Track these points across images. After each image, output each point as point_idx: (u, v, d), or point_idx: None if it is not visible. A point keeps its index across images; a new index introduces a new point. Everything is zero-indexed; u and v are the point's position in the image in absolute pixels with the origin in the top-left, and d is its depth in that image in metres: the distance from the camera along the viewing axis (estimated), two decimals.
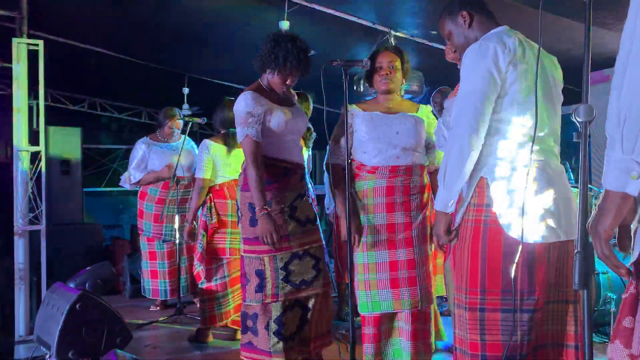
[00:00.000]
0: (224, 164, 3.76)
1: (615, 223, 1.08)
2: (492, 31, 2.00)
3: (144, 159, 4.67)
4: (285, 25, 4.59)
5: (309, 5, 4.67)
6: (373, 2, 4.81)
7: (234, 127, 3.70)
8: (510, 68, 1.86)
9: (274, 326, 2.71)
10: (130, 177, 4.69)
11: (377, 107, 2.86)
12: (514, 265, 1.82)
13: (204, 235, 3.73)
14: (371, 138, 2.78)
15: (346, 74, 2.55)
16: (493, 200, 1.89)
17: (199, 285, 3.79)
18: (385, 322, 2.77)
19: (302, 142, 2.99)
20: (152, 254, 4.65)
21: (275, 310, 2.71)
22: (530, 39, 2.02)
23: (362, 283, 2.75)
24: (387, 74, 2.80)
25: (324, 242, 2.91)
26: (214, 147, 3.76)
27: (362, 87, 5.10)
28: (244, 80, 7.16)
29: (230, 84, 7.25)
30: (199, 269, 3.74)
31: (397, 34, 5.08)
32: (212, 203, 3.76)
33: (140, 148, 4.71)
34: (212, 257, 3.71)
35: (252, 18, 5.15)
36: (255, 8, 4.96)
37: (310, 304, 2.80)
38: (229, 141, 3.76)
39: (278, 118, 2.72)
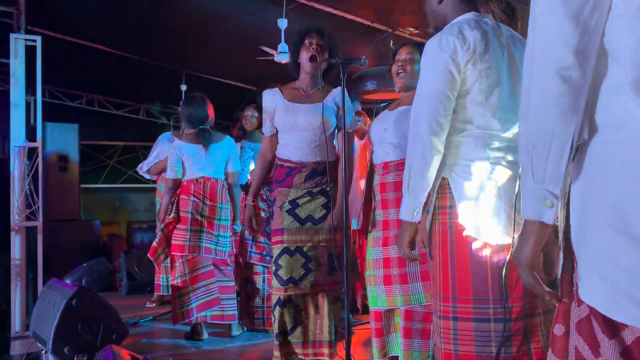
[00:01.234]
0: (193, 162, 3.71)
1: (536, 251, 1.06)
2: (456, 19, 1.85)
3: (160, 151, 4.72)
4: (283, 23, 4.60)
5: (308, 4, 4.68)
6: (372, 1, 4.82)
7: (203, 124, 3.71)
8: (470, 67, 1.76)
9: (273, 316, 2.82)
10: (141, 166, 4.81)
11: (392, 105, 2.88)
12: (483, 269, 1.73)
13: (161, 230, 3.68)
14: (372, 136, 2.85)
15: (344, 73, 2.55)
16: (455, 201, 1.79)
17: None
18: (388, 317, 2.79)
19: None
20: None
21: (273, 301, 2.82)
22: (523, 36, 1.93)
23: (367, 278, 2.80)
24: (402, 67, 2.73)
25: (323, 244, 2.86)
26: (183, 147, 3.71)
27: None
28: (242, 78, 7.17)
29: (228, 81, 7.24)
30: (163, 264, 3.80)
31: (396, 33, 5.09)
32: (177, 198, 3.72)
33: (160, 141, 4.82)
34: (173, 254, 3.66)
35: (251, 15, 5.15)
36: (254, 5, 4.96)
37: (301, 303, 2.80)
38: (204, 139, 3.71)
39: (280, 117, 2.79)
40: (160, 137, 4.89)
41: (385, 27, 5.05)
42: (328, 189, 2.82)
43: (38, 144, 4.21)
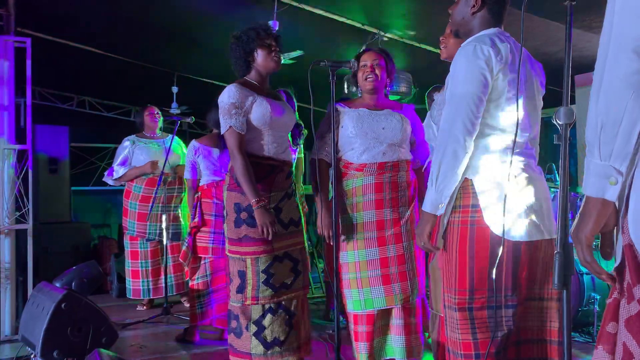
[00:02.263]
0: (210, 164, 3.80)
1: (596, 229, 1.08)
2: (485, 32, 2.01)
3: (129, 155, 4.67)
4: (274, 25, 4.60)
5: (299, 6, 4.68)
6: (362, 3, 4.83)
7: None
8: (500, 76, 1.89)
9: (253, 328, 2.68)
10: (114, 172, 4.69)
11: (363, 104, 2.88)
12: (500, 263, 1.87)
13: (188, 234, 3.79)
14: (358, 134, 2.80)
15: (333, 75, 2.57)
16: (479, 200, 1.92)
17: (188, 284, 3.85)
18: (379, 320, 2.79)
19: (289, 141, 2.96)
20: (134, 253, 4.64)
21: (255, 313, 2.69)
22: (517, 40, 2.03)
23: (354, 281, 2.76)
24: (370, 72, 2.83)
25: (308, 243, 2.91)
26: (200, 148, 3.85)
27: (350, 88, 5.12)
28: (234, 80, 7.16)
29: (219, 83, 7.23)
30: (185, 267, 3.81)
31: (387, 35, 5.11)
32: (199, 202, 3.81)
33: (125, 145, 4.73)
34: (195, 255, 3.74)
35: (242, 18, 5.15)
36: (244, 7, 4.96)
37: (293, 307, 2.77)
38: (222, 142, 3.77)
39: (262, 109, 2.67)
40: (124, 141, 4.77)
41: (376, 29, 5.06)
42: (294, 189, 2.87)
43: (28, 146, 4.19)
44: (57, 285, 3.81)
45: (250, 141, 2.70)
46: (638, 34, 0.96)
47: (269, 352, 2.68)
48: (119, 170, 4.67)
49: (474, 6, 2.04)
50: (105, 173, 4.81)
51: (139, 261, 4.61)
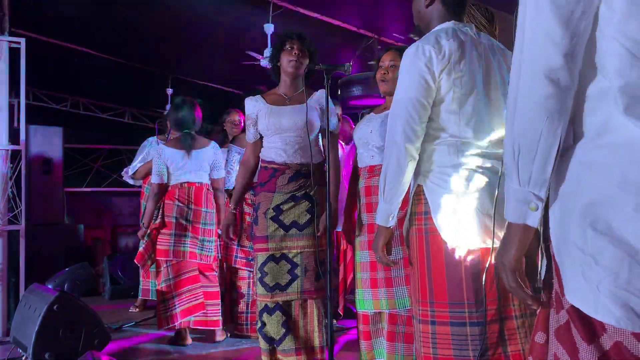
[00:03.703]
0: (177, 167, 3.69)
1: (519, 254, 1.06)
2: (435, 28, 1.91)
3: (147, 154, 4.67)
4: (270, 28, 4.61)
5: (294, 9, 4.70)
6: (358, 7, 4.85)
7: (190, 129, 3.70)
8: (444, 76, 1.80)
9: (259, 323, 2.79)
10: (130, 169, 4.71)
11: (377, 109, 2.91)
12: (458, 273, 1.76)
13: (147, 236, 3.67)
14: (357, 139, 2.87)
15: (328, 79, 2.56)
16: (430, 207, 1.83)
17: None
18: (375, 321, 2.80)
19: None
20: None
21: (258, 308, 2.79)
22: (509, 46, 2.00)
23: (355, 281, 2.81)
24: (385, 73, 2.76)
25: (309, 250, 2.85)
26: (168, 152, 3.70)
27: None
28: (228, 82, 7.17)
29: (214, 85, 7.24)
30: (151, 269, 3.73)
31: (382, 38, 5.13)
32: (161, 204, 3.71)
33: (144, 144, 4.78)
34: (158, 259, 3.64)
35: (237, 21, 5.16)
36: (240, 10, 4.97)
37: (291, 311, 2.78)
38: (187, 144, 3.71)
39: (265, 120, 2.78)
40: (145, 141, 4.83)
41: (371, 33, 5.08)
42: (312, 192, 2.79)
43: (21, 147, 4.17)
44: (50, 286, 3.80)
45: (262, 147, 2.88)
46: (550, 62, 0.95)
47: (269, 348, 2.76)
48: (135, 167, 4.69)
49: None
50: (124, 170, 4.83)
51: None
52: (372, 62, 2.80)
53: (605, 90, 0.94)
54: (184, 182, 3.69)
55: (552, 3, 0.94)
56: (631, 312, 0.89)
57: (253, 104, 2.86)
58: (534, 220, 1.03)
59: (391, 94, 2.77)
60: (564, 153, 1.01)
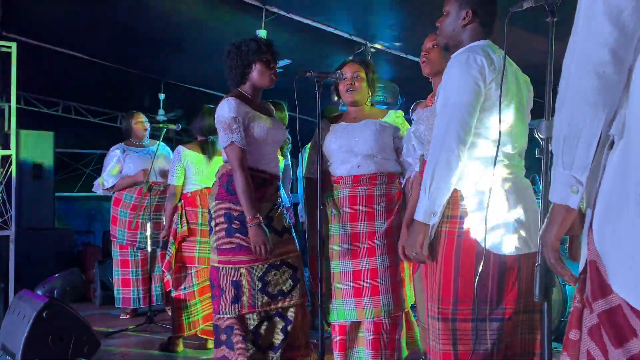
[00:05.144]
0: (196, 171, 3.73)
1: (560, 233, 1.14)
2: (475, 43, 2.01)
3: (119, 164, 4.62)
4: (262, 34, 4.61)
5: (287, 15, 4.71)
6: (350, 13, 4.87)
7: (214, 135, 3.71)
8: (493, 85, 1.89)
9: (250, 336, 2.68)
10: (104, 182, 4.61)
11: (344, 118, 2.90)
12: (485, 276, 1.86)
13: (172, 243, 3.69)
14: (334, 149, 2.81)
15: (319, 86, 2.57)
16: (467, 212, 1.91)
17: (170, 294, 3.76)
18: (352, 331, 2.79)
19: (278, 152, 2.97)
20: (125, 262, 4.58)
21: (252, 321, 2.69)
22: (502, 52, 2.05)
23: (334, 291, 2.77)
24: (351, 84, 2.81)
25: (299, 252, 2.89)
26: (187, 154, 3.74)
27: (332, 98, 5.14)
28: (220, 87, 7.16)
29: (206, 90, 7.24)
30: (168, 277, 3.70)
31: (374, 45, 5.15)
32: (183, 211, 3.73)
33: (115, 153, 4.66)
34: (180, 265, 3.68)
35: (230, 26, 5.17)
36: (232, 16, 4.98)
37: (290, 315, 2.76)
38: (208, 149, 3.74)
39: (261, 126, 2.72)
40: (114, 149, 4.69)
41: (363, 39, 5.10)
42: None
43: (12, 151, 4.16)
44: (39, 293, 3.78)
45: (248, 154, 2.69)
46: (598, 57, 1.02)
47: (266, 358, 2.71)
48: (109, 180, 4.59)
49: (464, 18, 2.02)
50: (94, 183, 4.72)
51: (130, 270, 4.55)
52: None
53: None
54: (204, 188, 3.71)
55: (604, 1, 1.00)
56: None
57: (242, 108, 2.69)
58: (574, 201, 1.11)
59: (358, 103, 2.86)
60: (612, 145, 1.07)
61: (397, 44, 5.15)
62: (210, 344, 3.78)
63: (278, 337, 2.72)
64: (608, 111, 1.04)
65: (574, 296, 1.15)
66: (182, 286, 3.67)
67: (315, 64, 5.28)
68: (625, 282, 0.99)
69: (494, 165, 1.88)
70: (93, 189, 4.77)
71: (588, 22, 1.03)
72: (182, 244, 3.69)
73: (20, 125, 4.80)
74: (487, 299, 1.88)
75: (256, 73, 2.75)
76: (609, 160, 1.06)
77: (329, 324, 2.85)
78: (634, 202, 0.98)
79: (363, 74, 2.84)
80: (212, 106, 3.81)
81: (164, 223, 3.89)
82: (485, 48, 1.95)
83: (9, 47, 4.14)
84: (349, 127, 2.83)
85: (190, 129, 4.10)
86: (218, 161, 3.70)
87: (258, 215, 2.60)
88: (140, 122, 4.72)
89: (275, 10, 4.66)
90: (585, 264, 1.09)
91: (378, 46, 5.20)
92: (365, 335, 2.76)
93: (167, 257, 3.69)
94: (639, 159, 0.99)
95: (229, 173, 2.71)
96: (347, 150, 2.77)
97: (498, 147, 1.87)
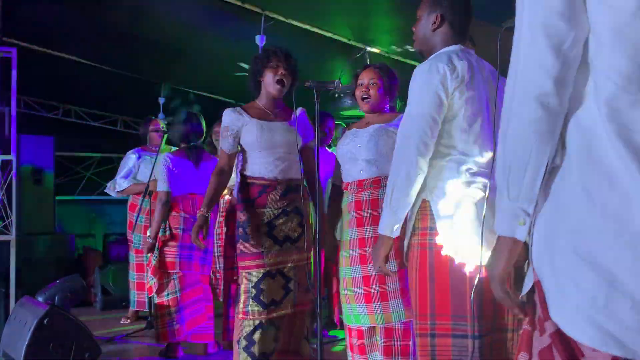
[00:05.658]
0: (183, 178, 3.71)
1: (508, 266, 1.11)
2: (445, 49, 1.97)
3: (134, 168, 4.65)
4: (261, 39, 4.64)
5: (286, 21, 4.73)
6: (349, 18, 4.89)
7: (194, 141, 3.72)
8: (457, 94, 1.86)
9: (243, 342, 2.71)
10: (116, 185, 4.66)
11: (358, 124, 2.92)
12: (462, 289, 1.82)
13: (157, 248, 3.67)
14: (342, 155, 2.84)
15: (318, 95, 2.58)
16: (436, 223, 1.88)
17: (153, 301, 3.72)
18: (370, 336, 2.80)
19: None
20: (140, 266, 4.58)
21: (247, 327, 2.71)
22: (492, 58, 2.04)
23: (344, 296, 2.78)
24: (366, 91, 2.81)
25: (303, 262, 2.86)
26: (176, 162, 3.71)
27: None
28: (220, 91, 7.18)
29: (206, 94, 7.25)
30: (151, 282, 3.67)
31: (372, 50, 5.16)
32: (167, 213, 3.70)
33: (130, 157, 4.72)
34: (163, 270, 3.64)
35: (229, 31, 5.18)
36: (232, 21, 4.99)
37: (282, 324, 2.79)
38: (195, 156, 3.73)
39: (251, 134, 2.76)
40: (129, 154, 4.75)
41: (362, 44, 5.11)
42: (301, 207, 2.83)
43: (12, 156, 4.17)
44: (40, 299, 3.78)
45: (246, 162, 2.82)
46: (542, 87, 1.01)
47: None
48: (122, 184, 4.64)
49: (434, 22, 2.00)
50: (107, 185, 4.78)
51: (145, 274, 4.58)
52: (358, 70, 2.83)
53: (594, 116, 0.99)
54: (188, 194, 3.71)
55: (545, 32, 1.00)
56: (607, 335, 0.93)
57: (236, 117, 2.81)
58: (521, 234, 1.08)
59: (373, 111, 2.85)
60: (552, 172, 1.06)
61: (396, 48, 5.17)
62: (211, 348, 3.80)
63: (272, 346, 2.75)
64: (553, 142, 1.03)
65: (523, 320, 1.15)
66: (165, 292, 3.63)
67: (315, 69, 5.31)
68: (559, 311, 1.00)
69: (463, 174, 1.86)
70: (105, 190, 4.85)
71: (530, 51, 1.03)
72: (165, 249, 3.65)
73: (21, 129, 4.81)
74: (466, 313, 1.81)
75: (265, 82, 2.82)
76: (551, 188, 1.06)
77: (330, 329, 2.87)
78: (570, 231, 0.99)
79: (379, 81, 2.82)
80: (190, 112, 3.83)
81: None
82: (451, 55, 1.91)
83: (9, 52, 4.15)
84: (358, 132, 2.84)
85: (170, 137, 4.08)
86: (204, 167, 3.72)
87: (204, 209, 2.81)
88: (158, 129, 4.72)
89: (274, 15, 4.68)
90: (533, 285, 1.09)
91: (377, 51, 5.22)
92: (380, 341, 2.78)
93: (153, 263, 3.66)
94: (575, 188, 1.00)
95: (239, 182, 2.84)
96: (352, 156, 2.79)
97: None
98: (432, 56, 1.96)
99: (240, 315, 2.73)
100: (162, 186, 3.69)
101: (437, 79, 1.84)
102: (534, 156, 1.03)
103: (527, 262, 1.16)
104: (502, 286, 1.12)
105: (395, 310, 2.71)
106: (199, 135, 3.77)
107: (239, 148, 2.85)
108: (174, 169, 3.68)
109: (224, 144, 2.82)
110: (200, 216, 2.81)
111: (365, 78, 2.82)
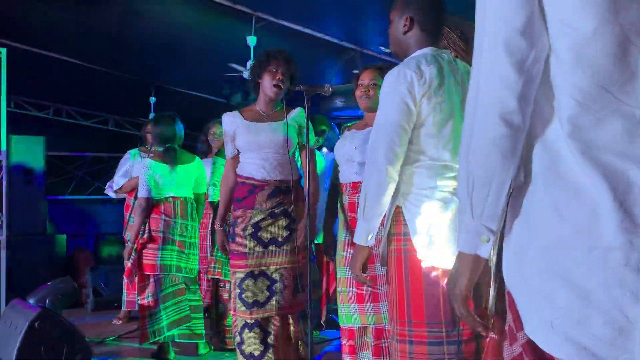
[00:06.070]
0: (163, 181, 3.67)
1: (470, 284, 1.09)
2: (415, 54, 1.95)
3: (130, 168, 4.65)
4: (252, 40, 4.64)
5: (277, 21, 4.73)
6: (340, 19, 4.90)
7: (172, 143, 3.70)
8: (425, 100, 1.85)
9: (237, 338, 2.80)
10: (113, 184, 4.68)
11: (356, 125, 2.94)
12: (435, 294, 1.81)
13: (135, 251, 3.64)
14: (339, 155, 2.87)
15: (308, 99, 2.60)
16: (409, 228, 1.88)
17: (137, 302, 3.71)
18: (360, 335, 2.82)
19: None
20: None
21: (238, 324, 2.78)
22: None
23: (339, 296, 2.81)
24: (366, 92, 2.82)
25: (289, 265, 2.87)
26: (155, 166, 3.67)
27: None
28: (211, 91, 7.18)
29: (197, 94, 7.25)
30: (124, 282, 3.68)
31: (364, 51, 5.18)
32: (147, 218, 3.68)
33: (127, 157, 4.74)
34: (143, 273, 3.62)
35: (220, 32, 5.18)
36: (223, 22, 4.99)
37: (270, 327, 2.80)
38: (171, 158, 3.69)
39: (240, 136, 2.82)
40: (127, 154, 4.78)
41: (354, 45, 5.13)
42: (290, 209, 2.83)
43: (2, 156, 4.16)
44: (31, 302, 3.78)
45: (240, 163, 2.89)
46: (505, 104, 0.99)
47: None
48: (119, 182, 4.66)
49: (405, 25, 1.96)
50: (107, 185, 4.78)
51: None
52: (356, 71, 2.84)
53: (557, 133, 0.98)
54: (169, 197, 3.69)
55: (507, 49, 0.98)
56: (582, 350, 0.94)
57: (231, 120, 2.87)
58: (484, 251, 1.06)
59: (373, 110, 2.80)
60: (518, 189, 1.05)
61: (388, 49, 5.19)
62: (202, 349, 3.81)
63: (259, 347, 2.76)
64: (515, 159, 1.02)
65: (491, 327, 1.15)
66: (146, 294, 3.62)
67: (306, 70, 5.30)
68: (533, 326, 1.00)
69: (432, 179, 1.86)
70: (104, 191, 4.86)
71: (492, 67, 1.00)
72: (144, 252, 3.62)
73: (11, 129, 4.79)
74: (440, 320, 1.81)
75: (263, 85, 2.85)
76: (520, 205, 1.05)
77: (317, 330, 2.89)
78: (541, 247, 0.99)
79: (380, 81, 2.79)
80: (165, 114, 3.81)
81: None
82: (420, 60, 1.88)
83: (0, 52, 4.13)
84: (355, 134, 2.86)
85: (151, 140, 4.06)
86: (182, 169, 3.70)
87: (217, 223, 3.06)
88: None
89: (265, 16, 4.68)
90: (502, 295, 1.09)
91: (368, 52, 5.23)
92: (370, 341, 2.80)
93: (128, 265, 3.64)
94: (544, 204, 0.99)
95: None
96: (348, 158, 2.81)
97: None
98: (402, 62, 1.94)
99: (231, 312, 2.84)
100: (141, 192, 3.65)
101: (404, 87, 1.83)
102: (498, 174, 1.01)
103: (488, 279, 1.15)
104: (464, 303, 1.11)
105: (385, 311, 2.74)
106: (174, 137, 3.73)
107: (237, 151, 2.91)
108: (153, 173, 3.65)
109: (227, 149, 2.92)
110: (218, 231, 3.07)
111: (366, 78, 2.83)
